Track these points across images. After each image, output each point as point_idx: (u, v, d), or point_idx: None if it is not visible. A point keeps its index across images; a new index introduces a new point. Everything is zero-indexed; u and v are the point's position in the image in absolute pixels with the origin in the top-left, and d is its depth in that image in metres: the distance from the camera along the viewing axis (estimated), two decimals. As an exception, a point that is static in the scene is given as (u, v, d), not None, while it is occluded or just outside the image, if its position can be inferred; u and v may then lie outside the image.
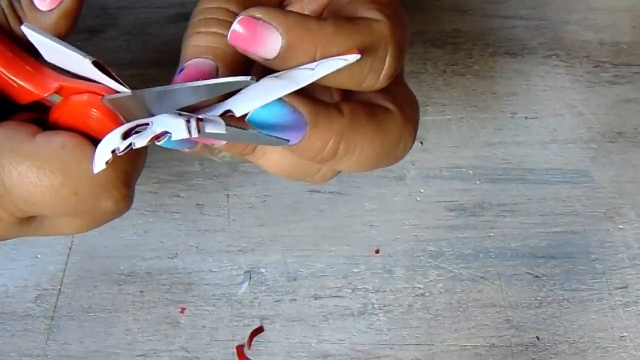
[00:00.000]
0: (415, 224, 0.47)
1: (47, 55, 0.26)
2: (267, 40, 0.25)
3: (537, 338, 0.43)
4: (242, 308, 0.43)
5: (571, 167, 0.49)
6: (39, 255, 0.45)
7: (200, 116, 0.25)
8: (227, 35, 0.26)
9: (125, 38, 0.55)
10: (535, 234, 0.46)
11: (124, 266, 0.45)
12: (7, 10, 0.28)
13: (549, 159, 0.50)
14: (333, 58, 0.25)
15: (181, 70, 0.27)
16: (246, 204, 0.47)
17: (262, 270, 0.45)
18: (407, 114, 0.29)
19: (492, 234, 0.46)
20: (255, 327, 0.43)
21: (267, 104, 0.25)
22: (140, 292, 0.44)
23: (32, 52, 0.27)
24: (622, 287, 0.45)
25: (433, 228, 0.47)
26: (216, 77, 0.27)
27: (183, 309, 0.43)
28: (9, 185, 0.26)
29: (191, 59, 0.27)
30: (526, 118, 0.52)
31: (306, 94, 0.26)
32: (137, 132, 0.25)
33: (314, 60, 0.25)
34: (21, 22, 0.28)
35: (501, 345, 0.42)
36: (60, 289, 0.44)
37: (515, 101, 0.52)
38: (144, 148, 0.26)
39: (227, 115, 0.25)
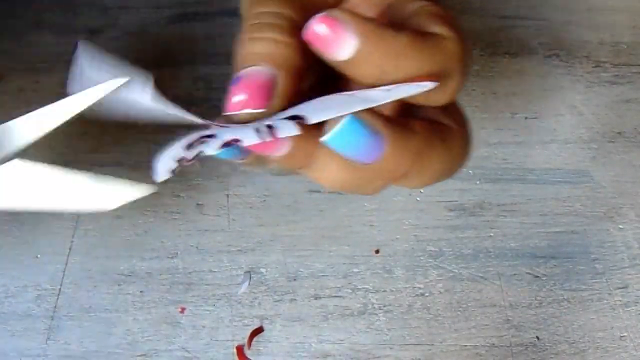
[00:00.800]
0: (415, 224, 0.47)
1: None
2: (341, 41, 0.24)
3: (537, 338, 0.43)
4: (242, 308, 0.43)
5: (571, 167, 0.49)
6: (39, 255, 0.45)
7: (268, 123, 0.24)
8: (283, 42, 0.26)
9: (125, 38, 0.55)
10: (535, 234, 0.46)
11: (124, 266, 0.45)
12: None
13: (549, 159, 0.50)
14: (410, 84, 0.25)
15: (237, 80, 0.26)
16: (246, 204, 0.47)
17: (262, 270, 0.45)
18: (467, 131, 0.29)
19: (492, 234, 0.46)
20: (255, 327, 0.43)
21: (345, 125, 0.24)
22: (140, 292, 0.44)
23: None
24: (622, 287, 0.45)
25: (433, 228, 0.47)
26: (274, 86, 0.25)
27: (183, 309, 0.43)
28: None
29: (247, 67, 0.26)
30: (526, 118, 0.52)
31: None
32: (202, 143, 0.24)
33: (382, 70, 0.25)
34: None
35: (501, 345, 0.42)
36: (60, 289, 0.44)
37: (515, 101, 0.52)
38: None
39: (296, 122, 0.24)
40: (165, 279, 0.44)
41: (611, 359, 0.42)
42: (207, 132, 0.25)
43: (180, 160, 0.24)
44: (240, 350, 0.42)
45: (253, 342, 0.42)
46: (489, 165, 0.49)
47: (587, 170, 0.49)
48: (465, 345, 0.42)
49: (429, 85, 0.25)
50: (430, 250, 0.46)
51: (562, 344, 0.43)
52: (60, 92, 0.56)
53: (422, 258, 0.45)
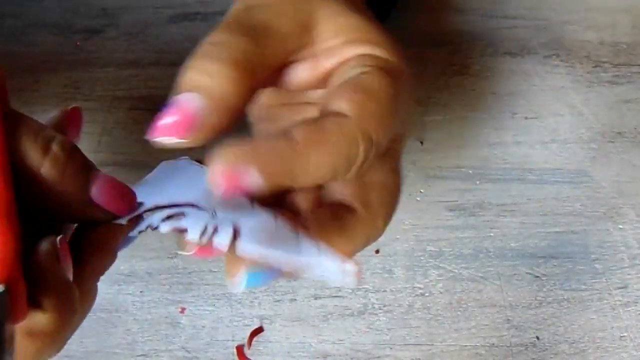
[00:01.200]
0: (415, 224, 0.47)
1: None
2: (248, 180, 0.25)
3: (537, 338, 0.43)
4: (242, 308, 0.43)
5: (571, 167, 0.49)
6: (39, 255, 0.45)
7: (216, 224, 0.27)
8: (220, 75, 0.26)
9: (125, 38, 0.55)
10: (535, 234, 0.46)
11: (124, 266, 0.45)
12: None
13: (549, 159, 0.50)
14: (336, 264, 0.27)
15: (166, 106, 0.27)
16: (246, 204, 0.47)
17: (262, 270, 0.45)
18: (375, 212, 0.29)
19: (492, 234, 0.46)
20: (255, 327, 0.43)
21: (246, 279, 0.27)
22: (140, 292, 0.44)
23: None
24: (622, 287, 0.45)
25: (433, 228, 0.47)
26: (200, 119, 0.26)
27: (183, 309, 0.43)
28: None
29: (179, 94, 0.27)
30: (526, 118, 0.52)
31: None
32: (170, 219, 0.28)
33: (296, 177, 0.26)
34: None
35: (501, 345, 0.42)
36: (60, 289, 0.44)
37: (515, 101, 0.52)
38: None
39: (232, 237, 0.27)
40: (165, 279, 0.44)
41: (611, 359, 0.42)
42: (181, 210, 0.28)
43: (148, 227, 0.27)
44: (240, 350, 0.42)
45: (253, 342, 0.42)
46: (489, 165, 0.49)
47: (587, 170, 0.49)
48: (465, 345, 0.42)
49: (350, 272, 0.26)
50: (430, 250, 0.46)
51: (562, 344, 0.43)
52: (60, 92, 0.56)
53: (422, 258, 0.45)
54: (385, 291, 0.44)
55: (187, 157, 0.32)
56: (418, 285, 0.44)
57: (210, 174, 0.25)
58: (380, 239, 0.46)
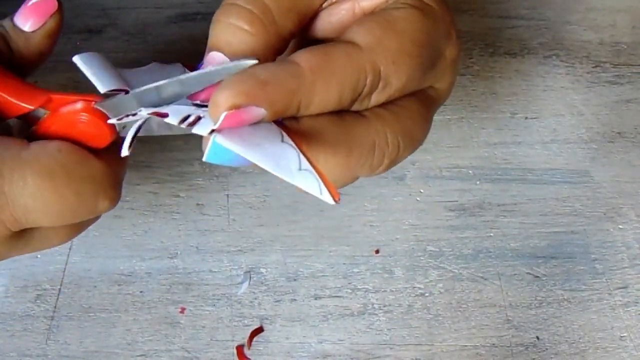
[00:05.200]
0: (415, 224, 0.47)
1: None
2: (253, 115, 0.25)
3: (537, 338, 0.43)
4: (242, 308, 0.43)
5: (571, 167, 0.49)
6: (39, 255, 0.45)
7: (201, 114, 0.25)
8: (245, 30, 0.26)
9: (125, 38, 0.55)
10: (535, 234, 0.46)
11: (124, 266, 0.45)
12: None
13: (549, 159, 0.50)
14: (313, 183, 0.26)
15: (199, 66, 0.27)
16: (246, 204, 0.47)
17: (262, 270, 0.45)
18: (384, 131, 0.28)
19: (492, 234, 0.46)
20: (255, 327, 0.43)
21: (222, 148, 0.25)
22: (140, 292, 0.44)
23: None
24: (622, 287, 0.45)
25: (433, 228, 0.47)
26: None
27: (183, 309, 0.43)
28: (10, 193, 0.25)
29: (209, 52, 0.27)
30: (526, 118, 0.52)
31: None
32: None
33: (301, 106, 0.25)
34: (6, 43, 0.29)
35: (501, 345, 0.42)
36: (60, 289, 0.44)
37: (515, 101, 0.52)
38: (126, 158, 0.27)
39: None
40: (165, 279, 0.44)
41: (611, 359, 0.42)
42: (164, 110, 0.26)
43: (129, 115, 0.26)
44: (240, 350, 0.42)
45: (253, 342, 0.42)
46: (489, 165, 0.49)
47: (587, 170, 0.49)
48: (465, 345, 0.42)
49: (327, 193, 0.25)
50: (430, 250, 0.46)
51: (562, 344, 0.43)
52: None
53: (422, 258, 0.45)
54: (385, 291, 0.44)
55: (179, 63, 0.31)
56: (418, 286, 0.44)
57: (213, 109, 0.24)
58: (380, 239, 0.46)
